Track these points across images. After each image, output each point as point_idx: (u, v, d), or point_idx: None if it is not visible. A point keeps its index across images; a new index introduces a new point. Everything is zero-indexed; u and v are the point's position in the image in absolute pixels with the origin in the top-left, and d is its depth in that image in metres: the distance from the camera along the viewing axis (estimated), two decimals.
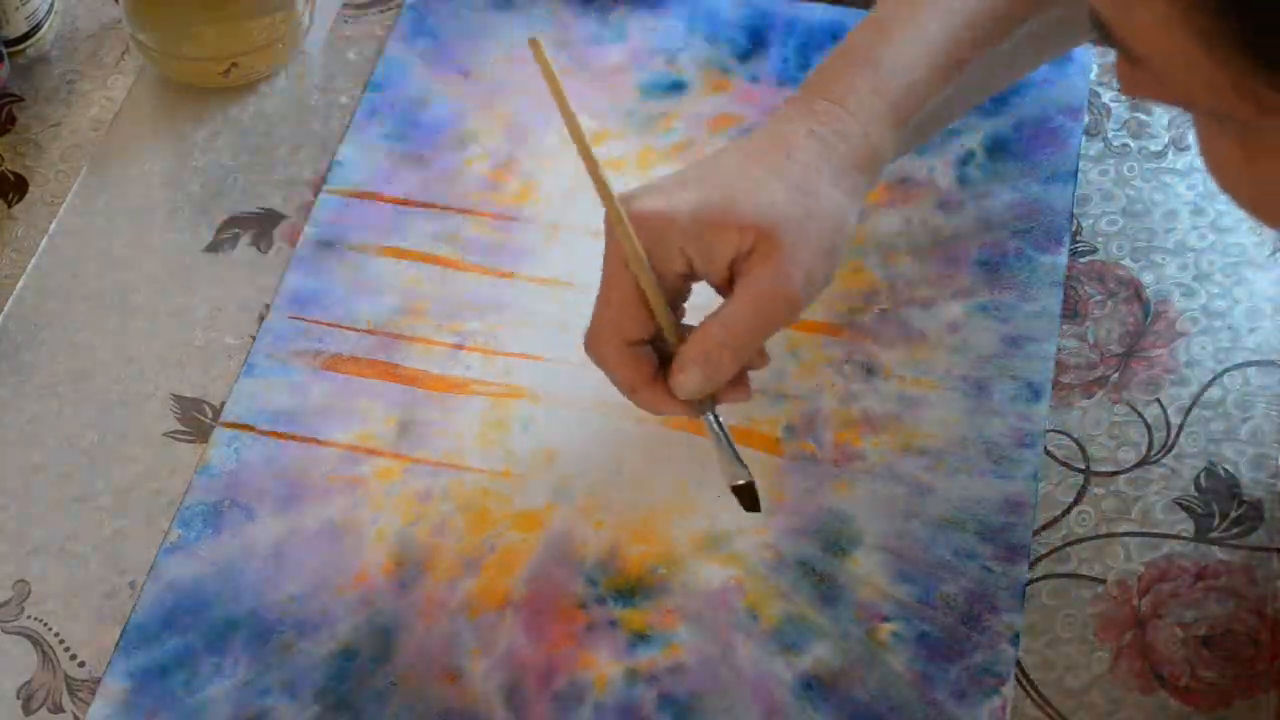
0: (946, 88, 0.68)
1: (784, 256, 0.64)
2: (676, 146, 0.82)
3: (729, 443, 0.66)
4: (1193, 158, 0.80)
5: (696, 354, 0.65)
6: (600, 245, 0.81)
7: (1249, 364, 0.74)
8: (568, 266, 0.79)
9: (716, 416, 0.66)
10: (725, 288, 0.66)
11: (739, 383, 0.66)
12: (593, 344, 0.66)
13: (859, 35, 0.68)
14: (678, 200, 0.65)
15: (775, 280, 0.64)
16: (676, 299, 0.66)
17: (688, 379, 0.65)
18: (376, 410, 0.75)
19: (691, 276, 0.66)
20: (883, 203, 0.80)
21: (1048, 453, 0.72)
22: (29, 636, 0.70)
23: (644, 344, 0.66)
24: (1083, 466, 0.72)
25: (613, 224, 0.64)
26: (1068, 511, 0.71)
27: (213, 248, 0.81)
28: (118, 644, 0.69)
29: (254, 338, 0.78)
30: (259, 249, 0.81)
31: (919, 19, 0.68)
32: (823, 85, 0.67)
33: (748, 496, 0.66)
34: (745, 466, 0.66)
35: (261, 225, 0.82)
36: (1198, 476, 0.71)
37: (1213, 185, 0.79)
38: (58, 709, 0.68)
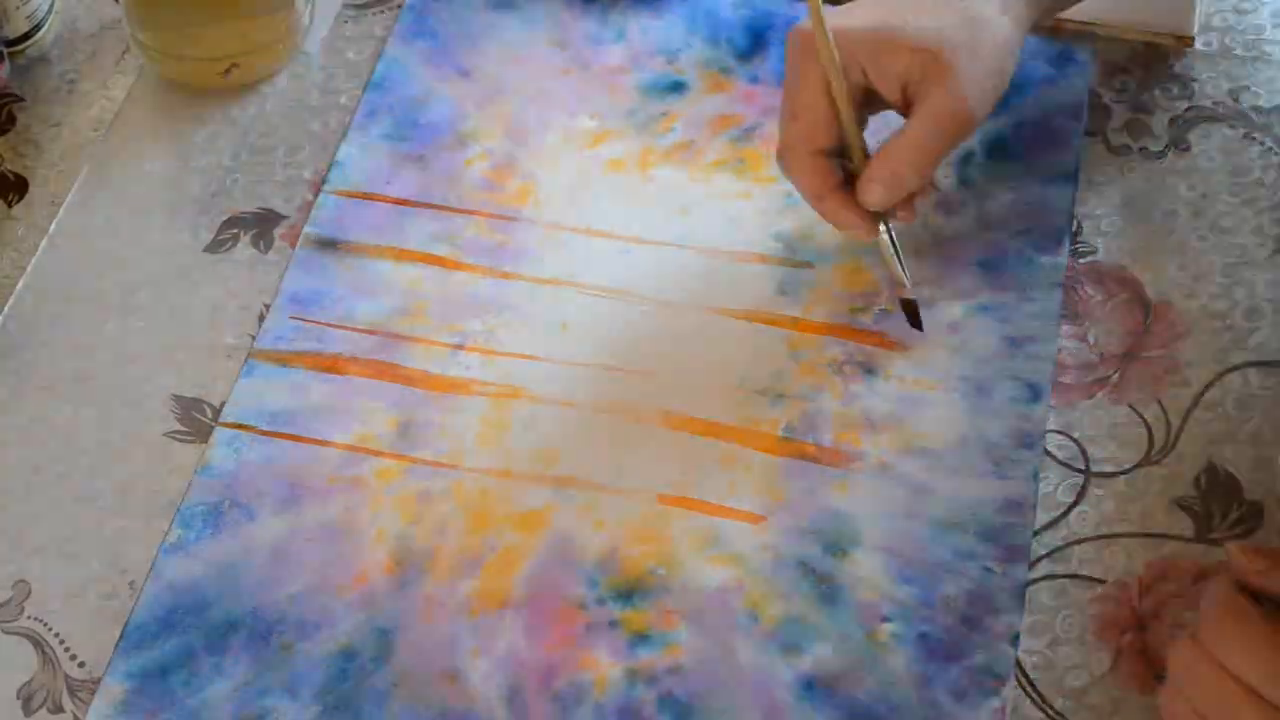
0: None
1: (955, 77, 0.70)
2: (677, 146, 0.82)
3: (899, 257, 0.73)
4: (1193, 158, 0.80)
5: (882, 171, 0.71)
6: (599, 244, 0.81)
7: (1249, 364, 0.74)
8: (568, 266, 0.79)
9: (890, 230, 0.73)
10: (903, 110, 0.72)
11: (908, 203, 0.73)
12: (784, 153, 0.73)
13: None
14: (855, 20, 0.71)
15: (948, 100, 0.70)
16: (858, 118, 0.72)
17: (873, 192, 0.71)
18: (376, 410, 0.75)
19: (869, 97, 0.72)
20: None
21: (1048, 453, 0.72)
22: (29, 637, 0.70)
23: (830, 155, 0.72)
24: (1083, 467, 0.72)
25: (804, 37, 0.70)
26: (1068, 512, 0.71)
27: (213, 248, 0.81)
28: (118, 644, 0.69)
29: (254, 338, 0.78)
30: (259, 249, 0.81)
31: None
32: None
33: (913, 311, 0.74)
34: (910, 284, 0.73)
35: (261, 225, 0.81)
36: (1198, 477, 0.71)
37: (1213, 185, 0.80)
38: (58, 709, 0.68)
